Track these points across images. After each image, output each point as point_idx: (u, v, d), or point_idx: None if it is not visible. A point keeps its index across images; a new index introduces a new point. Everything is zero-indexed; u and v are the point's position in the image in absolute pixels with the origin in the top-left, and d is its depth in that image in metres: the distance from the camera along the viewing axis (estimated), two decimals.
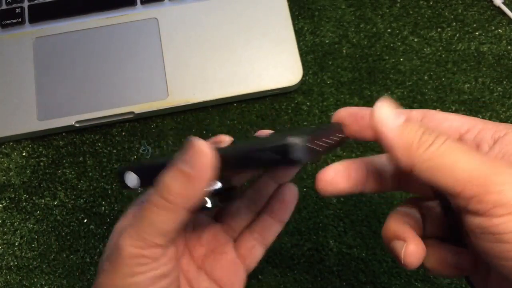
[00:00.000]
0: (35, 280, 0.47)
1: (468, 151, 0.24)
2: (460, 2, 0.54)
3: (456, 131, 0.29)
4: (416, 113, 0.30)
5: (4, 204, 0.49)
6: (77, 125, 0.50)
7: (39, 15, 0.54)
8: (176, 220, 0.28)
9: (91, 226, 0.48)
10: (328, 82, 0.51)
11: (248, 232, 0.37)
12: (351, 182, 0.29)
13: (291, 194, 0.36)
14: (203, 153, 0.27)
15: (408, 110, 0.30)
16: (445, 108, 0.50)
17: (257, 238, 0.37)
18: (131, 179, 0.29)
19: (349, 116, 0.30)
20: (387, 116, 0.26)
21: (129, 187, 0.29)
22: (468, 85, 0.51)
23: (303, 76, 0.51)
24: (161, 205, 0.28)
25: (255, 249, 0.37)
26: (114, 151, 0.50)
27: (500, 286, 0.28)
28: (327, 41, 0.53)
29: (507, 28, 0.52)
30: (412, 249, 0.28)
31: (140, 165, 0.29)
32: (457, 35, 0.53)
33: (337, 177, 0.29)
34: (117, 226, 0.33)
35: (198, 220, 0.37)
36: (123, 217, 0.34)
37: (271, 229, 0.37)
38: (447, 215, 0.30)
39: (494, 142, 0.27)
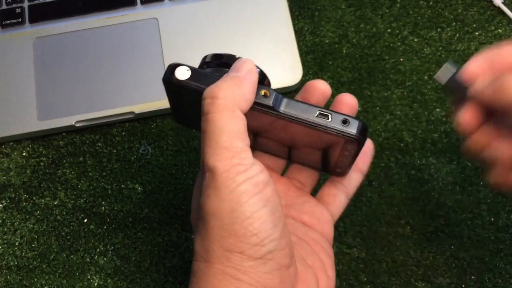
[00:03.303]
0: (35, 280, 0.47)
1: None
2: (460, 2, 0.54)
3: None
4: None
5: (4, 204, 0.49)
6: (77, 125, 0.50)
7: (39, 15, 0.54)
8: (240, 120, 0.30)
9: (91, 226, 0.48)
10: (328, 82, 0.51)
11: (329, 182, 0.39)
12: None
13: (367, 145, 0.38)
14: (247, 61, 0.32)
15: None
16: (445, 108, 0.50)
17: (340, 187, 0.38)
18: (183, 71, 0.33)
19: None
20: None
21: (176, 78, 0.33)
22: None
23: (303, 76, 0.51)
24: (220, 107, 0.30)
25: (337, 196, 0.38)
26: (114, 151, 0.50)
27: None
28: (327, 41, 0.53)
29: (507, 28, 0.53)
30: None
31: (193, 67, 0.33)
32: (457, 35, 0.53)
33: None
34: (194, 188, 0.34)
35: None
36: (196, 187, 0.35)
37: (351, 178, 0.39)
38: None
39: None
